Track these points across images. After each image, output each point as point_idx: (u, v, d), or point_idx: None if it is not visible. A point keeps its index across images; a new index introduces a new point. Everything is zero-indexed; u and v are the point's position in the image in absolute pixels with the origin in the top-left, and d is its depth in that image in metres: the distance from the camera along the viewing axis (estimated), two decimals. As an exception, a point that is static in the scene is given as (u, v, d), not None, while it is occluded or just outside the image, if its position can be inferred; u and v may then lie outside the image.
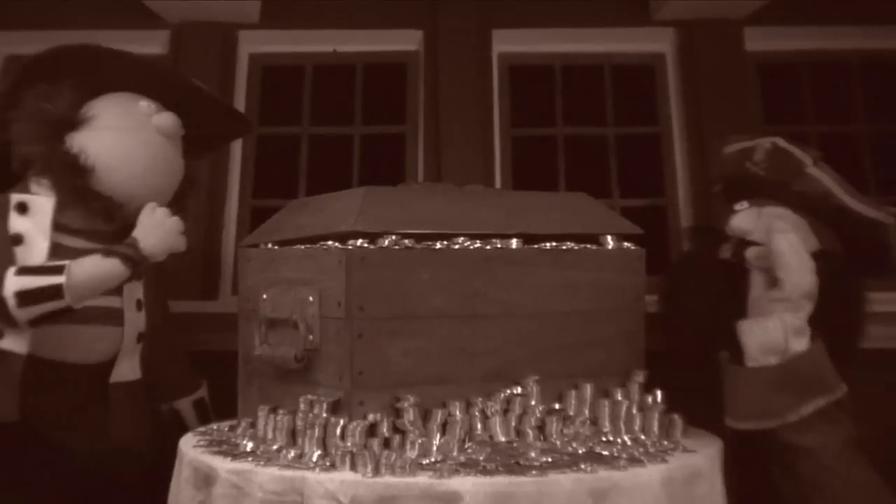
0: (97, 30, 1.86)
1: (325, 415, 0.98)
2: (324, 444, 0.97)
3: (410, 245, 1.03)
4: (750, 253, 1.06)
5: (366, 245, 1.01)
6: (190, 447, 1.07)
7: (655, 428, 1.07)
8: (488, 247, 1.07)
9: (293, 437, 1.01)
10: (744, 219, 1.12)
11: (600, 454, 0.98)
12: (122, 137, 1.34)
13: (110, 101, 1.38)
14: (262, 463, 0.96)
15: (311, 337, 1.02)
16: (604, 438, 1.04)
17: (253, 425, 1.08)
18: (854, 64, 2.05)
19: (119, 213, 1.34)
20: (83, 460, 1.29)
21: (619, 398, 1.09)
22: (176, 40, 1.93)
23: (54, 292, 1.25)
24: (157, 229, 1.31)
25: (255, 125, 1.73)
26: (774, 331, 0.93)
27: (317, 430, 0.97)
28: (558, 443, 1.01)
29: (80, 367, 1.31)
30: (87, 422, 1.29)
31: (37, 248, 1.30)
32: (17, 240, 1.30)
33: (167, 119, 1.38)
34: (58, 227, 1.31)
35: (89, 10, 1.94)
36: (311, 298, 1.03)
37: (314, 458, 0.95)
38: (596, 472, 0.92)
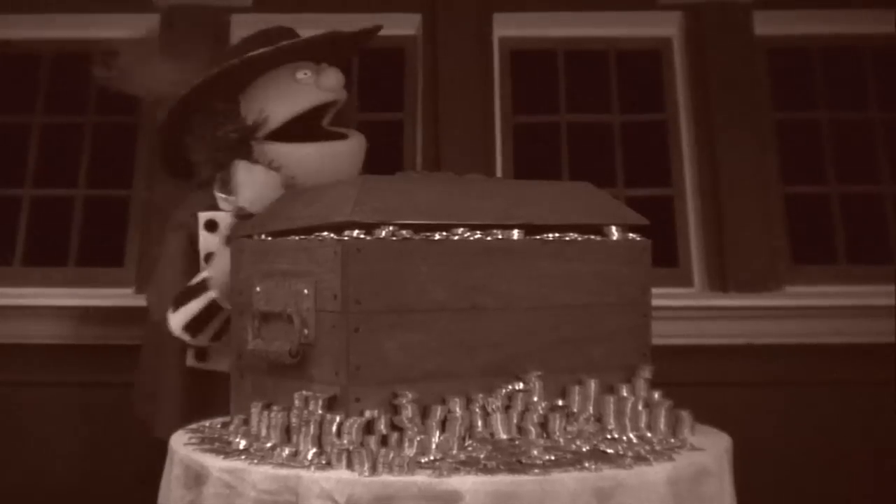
0: (86, 13, 1.83)
1: (320, 411, 0.96)
2: (319, 441, 0.94)
3: (408, 236, 1.00)
4: None
5: (362, 236, 0.98)
6: (181, 445, 1.04)
7: (662, 425, 1.05)
8: (489, 238, 1.04)
9: (287, 434, 0.99)
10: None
11: (605, 452, 0.96)
12: (304, 146, 1.35)
13: (272, 92, 1.37)
14: (255, 461, 0.93)
15: (306, 331, 1.00)
16: (608, 436, 1.02)
17: (246, 422, 1.06)
18: (867, 49, 2.01)
19: None
20: None
21: (625, 394, 1.07)
22: (166, 25, 1.90)
23: (214, 308, 1.30)
24: (258, 187, 1.30)
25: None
26: None
27: (312, 428, 0.95)
28: (561, 440, 0.99)
29: None
30: None
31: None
32: (209, 258, 1.35)
33: (331, 78, 1.37)
34: None
35: (78, -7, 1.91)
36: (305, 291, 1.00)
37: (309, 457, 0.93)
38: (600, 470, 0.90)
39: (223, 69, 1.37)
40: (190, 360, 1.38)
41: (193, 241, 1.38)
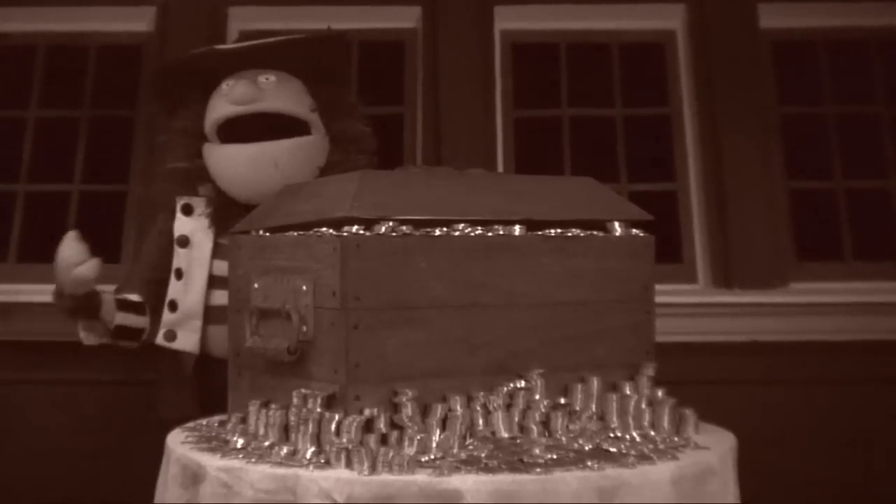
0: (81, 5, 1.81)
1: (319, 410, 0.95)
2: (318, 440, 0.94)
3: (408, 232, 0.99)
4: None
5: (362, 232, 0.97)
6: (177, 443, 1.03)
7: (666, 423, 1.04)
8: (490, 234, 1.04)
9: (286, 433, 0.98)
10: None
11: (608, 451, 0.95)
12: (217, 146, 1.38)
13: (211, 101, 1.40)
14: (252, 460, 0.92)
15: (304, 328, 0.99)
16: (611, 434, 1.01)
17: (243, 421, 1.05)
18: (873, 42, 1.99)
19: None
20: None
21: (628, 392, 1.06)
22: (162, 17, 1.88)
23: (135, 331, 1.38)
24: (57, 268, 1.31)
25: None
26: None
27: (310, 426, 0.94)
28: (564, 439, 0.98)
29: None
30: None
31: (203, 248, 1.38)
32: (183, 242, 1.39)
33: (235, 90, 1.36)
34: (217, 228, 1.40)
35: (74, -15, 1.89)
36: (304, 288, 0.99)
37: (308, 455, 0.92)
38: (603, 469, 0.89)
39: (168, 62, 1.43)
40: (159, 339, 1.41)
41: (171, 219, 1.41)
